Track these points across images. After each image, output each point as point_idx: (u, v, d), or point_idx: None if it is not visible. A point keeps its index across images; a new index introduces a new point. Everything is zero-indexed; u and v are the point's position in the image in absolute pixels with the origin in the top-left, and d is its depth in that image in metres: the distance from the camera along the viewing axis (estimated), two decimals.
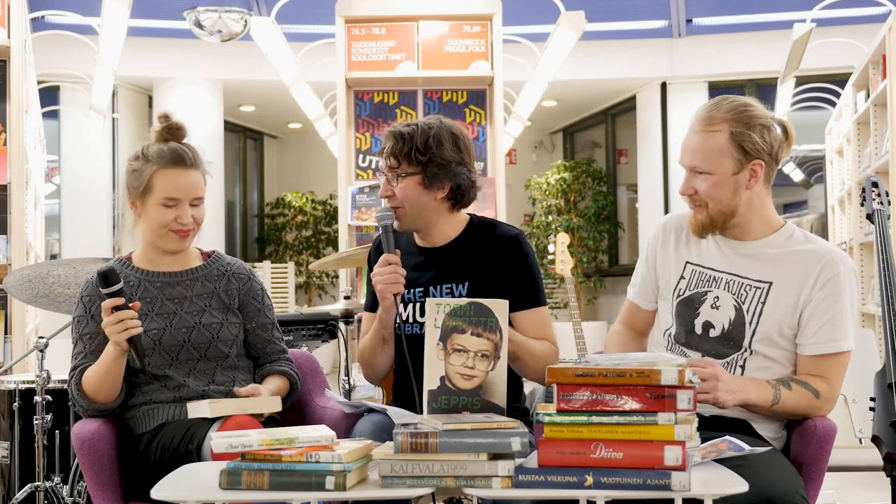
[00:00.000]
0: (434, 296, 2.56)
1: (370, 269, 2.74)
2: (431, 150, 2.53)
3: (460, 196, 2.61)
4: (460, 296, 2.56)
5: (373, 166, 5.87)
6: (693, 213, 2.41)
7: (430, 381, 2.00)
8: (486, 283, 2.55)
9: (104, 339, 2.52)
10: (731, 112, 2.32)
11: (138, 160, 2.57)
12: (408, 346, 2.47)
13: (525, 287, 2.56)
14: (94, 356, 2.51)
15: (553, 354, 2.55)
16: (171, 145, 2.57)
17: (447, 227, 2.63)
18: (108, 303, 2.38)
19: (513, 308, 2.38)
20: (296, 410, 2.76)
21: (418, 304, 2.58)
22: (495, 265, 2.57)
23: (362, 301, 3.54)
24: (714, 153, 2.31)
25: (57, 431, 3.45)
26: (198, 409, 2.40)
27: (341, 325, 4.18)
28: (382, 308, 2.52)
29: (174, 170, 2.54)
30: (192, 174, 2.56)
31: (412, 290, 2.59)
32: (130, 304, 2.41)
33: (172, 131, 2.60)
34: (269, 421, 2.55)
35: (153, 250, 2.63)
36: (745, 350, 2.35)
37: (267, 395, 2.50)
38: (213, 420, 2.35)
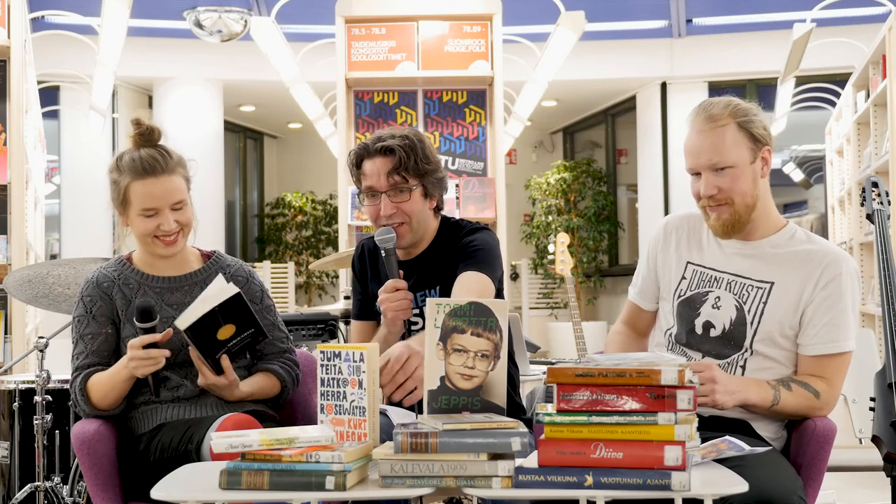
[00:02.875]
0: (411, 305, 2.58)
1: (356, 278, 2.73)
2: (429, 159, 2.57)
3: (442, 202, 2.66)
4: (436, 296, 2.59)
5: None
6: (715, 214, 2.38)
7: (430, 381, 2.00)
8: (452, 281, 2.55)
9: (106, 338, 2.53)
10: (728, 107, 2.36)
11: (113, 172, 2.53)
12: None
13: (468, 254, 2.54)
14: (97, 356, 2.51)
15: None
16: (143, 154, 2.49)
17: (430, 233, 2.66)
18: (145, 338, 2.39)
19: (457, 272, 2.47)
20: (297, 410, 2.75)
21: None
22: (458, 260, 2.57)
23: None
24: (730, 145, 2.33)
25: (57, 431, 3.45)
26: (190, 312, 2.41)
27: (341, 325, 4.19)
28: (390, 332, 2.51)
29: (147, 180, 2.47)
30: (168, 180, 2.49)
31: None
32: (162, 334, 2.41)
33: (145, 136, 2.52)
34: (269, 421, 2.55)
35: (149, 254, 2.62)
36: (746, 350, 2.35)
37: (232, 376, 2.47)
38: (213, 420, 2.35)
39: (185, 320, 2.40)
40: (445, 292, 2.57)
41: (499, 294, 2.60)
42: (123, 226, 2.58)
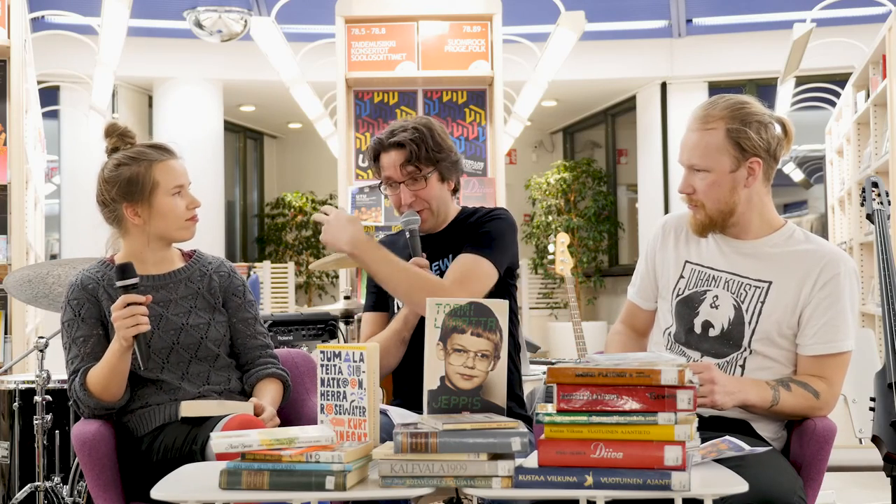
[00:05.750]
0: None
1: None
2: (440, 146, 2.67)
3: (459, 184, 2.78)
4: (447, 269, 2.66)
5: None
6: (692, 212, 2.41)
7: (430, 381, 2.00)
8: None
9: (98, 339, 2.51)
10: (728, 110, 2.32)
11: (126, 166, 2.53)
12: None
13: (477, 235, 2.63)
14: (92, 357, 2.49)
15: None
16: (147, 143, 2.60)
17: (451, 214, 2.77)
18: (126, 297, 2.36)
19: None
20: (295, 410, 2.75)
21: None
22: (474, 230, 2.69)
23: (362, 301, 3.54)
24: (711, 151, 2.31)
25: (57, 431, 3.45)
26: (185, 409, 2.44)
27: (341, 325, 4.19)
28: (411, 311, 2.58)
29: (170, 160, 2.57)
30: (181, 161, 2.60)
31: None
32: (144, 297, 2.40)
33: (131, 136, 2.60)
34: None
35: (140, 253, 2.58)
36: (745, 350, 2.34)
37: (249, 404, 2.49)
38: (217, 420, 2.35)
39: (189, 410, 2.43)
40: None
41: (508, 279, 2.67)
42: (133, 226, 2.55)
